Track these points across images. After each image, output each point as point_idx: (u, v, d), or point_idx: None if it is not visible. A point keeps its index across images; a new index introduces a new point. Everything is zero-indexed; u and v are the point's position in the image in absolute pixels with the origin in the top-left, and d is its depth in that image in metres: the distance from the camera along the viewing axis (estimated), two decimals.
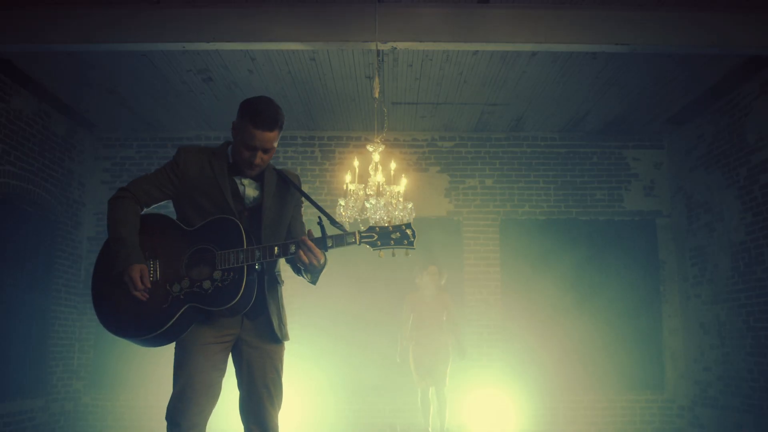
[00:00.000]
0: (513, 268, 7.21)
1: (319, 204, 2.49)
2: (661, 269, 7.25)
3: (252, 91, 6.27)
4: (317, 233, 2.36)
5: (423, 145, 7.49)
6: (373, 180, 4.73)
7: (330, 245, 2.33)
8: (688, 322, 6.97)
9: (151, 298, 2.27)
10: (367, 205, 4.66)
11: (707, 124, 6.62)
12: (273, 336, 2.45)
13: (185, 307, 2.26)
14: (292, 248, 2.31)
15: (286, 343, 2.54)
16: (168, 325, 2.24)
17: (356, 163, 4.93)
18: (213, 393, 2.38)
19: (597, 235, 7.26)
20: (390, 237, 2.36)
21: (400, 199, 4.72)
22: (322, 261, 2.34)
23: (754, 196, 5.81)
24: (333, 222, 2.42)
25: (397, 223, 2.44)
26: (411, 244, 2.36)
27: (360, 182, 4.84)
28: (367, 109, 6.73)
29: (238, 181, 2.46)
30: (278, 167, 2.63)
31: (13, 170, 5.93)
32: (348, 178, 4.84)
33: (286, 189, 2.56)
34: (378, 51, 4.84)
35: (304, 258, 2.29)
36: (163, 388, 7.36)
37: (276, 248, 2.30)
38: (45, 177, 6.46)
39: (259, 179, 2.49)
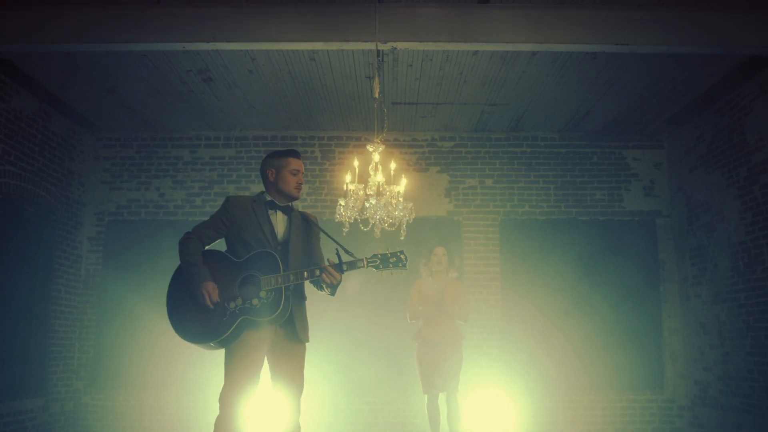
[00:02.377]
0: (513, 268, 7.21)
1: (327, 232, 3.41)
2: (661, 269, 7.25)
3: (252, 91, 6.27)
4: (335, 260, 3.22)
5: (423, 145, 7.49)
6: (373, 180, 4.72)
7: (345, 269, 3.20)
8: (688, 322, 6.97)
9: (215, 313, 3.07)
10: (367, 205, 4.65)
11: (707, 124, 6.62)
12: (298, 338, 3.24)
13: (240, 319, 3.06)
14: (317, 272, 3.17)
15: (307, 345, 3.34)
16: (227, 333, 3.03)
17: (356, 163, 4.92)
18: (255, 381, 3.14)
19: (597, 235, 7.26)
20: (389, 261, 3.27)
21: (400, 199, 4.71)
22: (339, 280, 3.20)
23: (754, 196, 5.81)
24: (346, 251, 3.27)
25: (393, 250, 3.30)
26: (404, 266, 3.29)
27: (360, 182, 4.83)
28: (367, 109, 6.73)
29: (273, 218, 3.30)
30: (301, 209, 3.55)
31: (13, 170, 5.93)
32: (348, 178, 4.84)
33: (308, 226, 3.42)
34: (378, 51, 4.84)
35: (327, 279, 3.17)
36: (163, 388, 7.39)
37: (305, 272, 3.16)
38: (45, 177, 6.46)
39: (287, 213, 3.35)
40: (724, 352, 6.26)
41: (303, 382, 3.27)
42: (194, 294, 3.08)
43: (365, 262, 3.24)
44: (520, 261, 7.20)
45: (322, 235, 3.46)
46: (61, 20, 4.82)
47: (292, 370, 3.22)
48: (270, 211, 3.30)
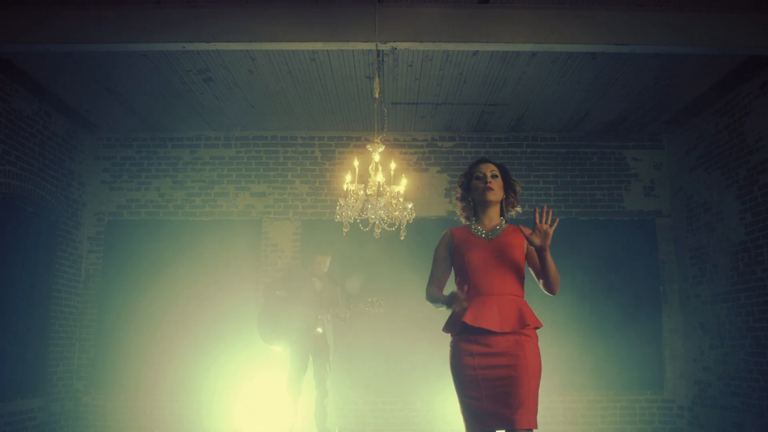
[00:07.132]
0: None
1: (336, 278, 6.27)
2: (661, 269, 7.25)
3: (252, 91, 6.27)
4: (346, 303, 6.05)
5: (423, 145, 7.49)
6: (373, 180, 4.72)
7: (352, 308, 5.86)
8: (688, 322, 6.97)
9: (285, 329, 5.94)
10: (368, 205, 4.65)
11: (707, 124, 6.62)
12: (327, 346, 5.87)
13: (296, 333, 5.83)
14: (337, 311, 5.83)
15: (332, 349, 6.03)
16: (289, 340, 5.84)
17: (356, 163, 4.92)
18: (305, 369, 5.84)
19: (597, 235, 7.25)
20: (375, 304, 5.55)
21: (400, 199, 4.71)
22: (348, 315, 5.88)
23: (754, 196, 5.81)
24: (352, 297, 6.06)
25: (378, 298, 5.59)
26: (382, 307, 5.58)
27: (360, 182, 4.83)
28: (367, 109, 6.73)
29: (315, 282, 5.96)
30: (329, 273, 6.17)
31: (13, 170, 5.93)
32: (348, 178, 4.84)
33: (333, 283, 6.02)
34: (378, 51, 4.84)
35: (341, 316, 5.84)
36: (163, 389, 7.37)
37: (330, 311, 5.82)
38: (45, 177, 6.46)
39: (322, 279, 5.97)
40: (724, 352, 6.26)
41: (330, 369, 5.87)
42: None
43: (362, 305, 5.63)
44: None
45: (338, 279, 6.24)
46: (61, 20, 4.82)
47: (323, 363, 5.83)
48: (313, 278, 5.97)
